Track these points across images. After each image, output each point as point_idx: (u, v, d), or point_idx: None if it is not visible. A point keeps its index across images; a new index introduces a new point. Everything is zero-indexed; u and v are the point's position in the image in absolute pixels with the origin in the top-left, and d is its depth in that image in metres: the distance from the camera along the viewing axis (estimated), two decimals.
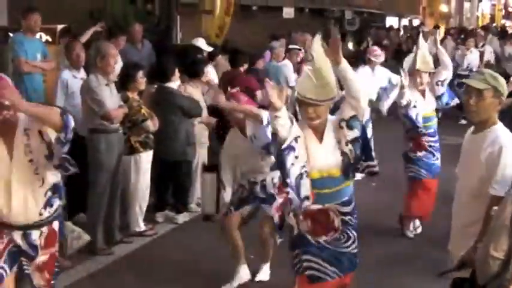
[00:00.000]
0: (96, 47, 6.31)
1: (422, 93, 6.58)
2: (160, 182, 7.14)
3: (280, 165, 3.79)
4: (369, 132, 4.10)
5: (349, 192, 3.95)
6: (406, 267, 5.88)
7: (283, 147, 3.71)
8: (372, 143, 4.04)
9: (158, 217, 7.12)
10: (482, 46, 14.49)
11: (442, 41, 17.75)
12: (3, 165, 3.65)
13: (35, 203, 3.74)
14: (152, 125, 6.39)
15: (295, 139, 3.73)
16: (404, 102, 6.36)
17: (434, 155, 6.66)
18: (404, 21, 26.31)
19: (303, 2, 17.68)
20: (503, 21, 38.62)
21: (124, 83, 6.43)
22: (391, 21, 24.37)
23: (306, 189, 3.76)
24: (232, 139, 5.52)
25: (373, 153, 3.99)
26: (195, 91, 7.31)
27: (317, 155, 3.81)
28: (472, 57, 13.39)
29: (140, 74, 6.40)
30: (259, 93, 8.40)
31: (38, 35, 7.76)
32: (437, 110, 6.83)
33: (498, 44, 15.79)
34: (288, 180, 3.74)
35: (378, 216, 6.83)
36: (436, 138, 6.73)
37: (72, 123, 3.60)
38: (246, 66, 8.87)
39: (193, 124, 7.15)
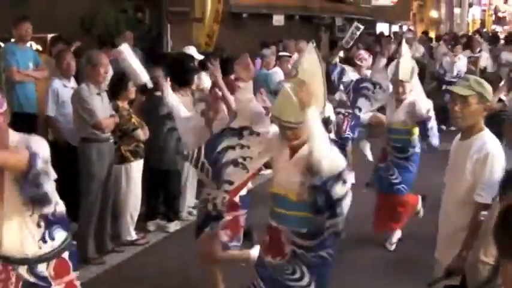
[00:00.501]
0: (88, 56, 6.32)
1: (398, 102, 6.36)
2: (151, 191, 7.15)
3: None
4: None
5: (310, 226, 3.55)
6: (402, 271, 5.92)
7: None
8: (344, 203, 3.39)
9: (149, 226, 7.12)
10: (479, 52, 14.29)
11: (432, 47, 17.88)
12: None
13: (30, 235, 3.45)
14: (142, 134, 6.40)
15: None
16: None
17: (393, 174, 6.42)
18: (395, 28, 26.43)
19: (293, 9, 17.70)
20: (493, 26, 38.84)
21: (114, 92, 6.43)
22: (382, 27, 24.47)
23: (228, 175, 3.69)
24: None
25: (342, 211, 3.39)
26: (185, 99, 7.32)
27: (282, 170, 3.64)
28: (460, 64, 13.16)
29: (131, 83, 6.41)
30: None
31: (28, 44, 7.77)
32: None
33: (488, 49, 15.81)
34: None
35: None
36: (405, 155, 6.37)
37: (38, 166, 3.30)
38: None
39: None
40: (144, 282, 5.76)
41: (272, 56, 10.64)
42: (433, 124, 6.19)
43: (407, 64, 6.33)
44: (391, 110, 6.47)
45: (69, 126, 6.49)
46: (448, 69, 13.14)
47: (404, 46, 6.55)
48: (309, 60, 3.58)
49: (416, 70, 6.50)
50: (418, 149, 6.42)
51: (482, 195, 3.72)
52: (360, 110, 6.98)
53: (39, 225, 3.48)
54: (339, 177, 3.32)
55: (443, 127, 10.74)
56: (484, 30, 30.63)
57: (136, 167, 6.50)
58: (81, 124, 6.02)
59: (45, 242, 3.49)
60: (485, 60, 14.21)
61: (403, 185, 6.43)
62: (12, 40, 7.45)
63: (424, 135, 6.22)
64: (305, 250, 3.60)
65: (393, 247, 6.55)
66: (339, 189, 3.33)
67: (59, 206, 3.62)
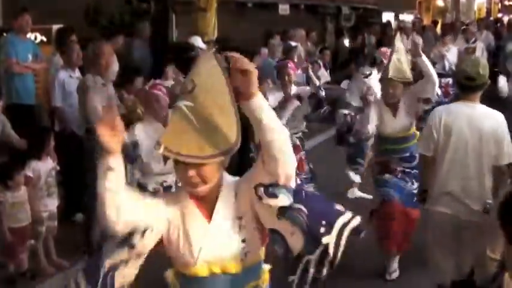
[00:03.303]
0: (92, 47, 6.30)
1: (394, 108, 5.59)
2: None
3: None
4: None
5: None
6: (406, 261, 5.86)
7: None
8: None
9: None
10: (474, 42, 13.81)
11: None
12: None
13: None
14: None
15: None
16: (370, 131, 5.64)
17: (413, 184, 5.61)
18: (401, 17, 26.27)
19: None
20: (499, 15, 38.61)
21: (122, 82, 6.43)
22: (388, 16, 24.33)
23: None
24: None
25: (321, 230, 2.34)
26: None
27: (203, 240, 2.54)
28: (450, 56, 12.31)
29: (139, 79, 6.42)
30: None
31: (33, 36, 7.79)
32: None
33: (493, 39, 15.59)
34: None
35: None
36: (414, 163, 5.56)
37: None
38: None
39: None
40: (150, 272, 5.74)
41: (279, 46, 10.62)
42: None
43: (401, 59, 5.60)
44: (387, 118, 5.64)
45: (75, 116, 6.51)
46: (437, 62, 12.17)
47: (398, 41, 5.82)
48: (210, 71, 2.49)
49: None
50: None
51: None
52: None
53: None
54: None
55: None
56: (491, 18, 30.40)
57: None
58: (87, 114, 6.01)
59: None
60: (480, 50, 13.54)
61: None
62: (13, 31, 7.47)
63: None
64: None
65: (396, 274, 5.75)
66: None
67: None
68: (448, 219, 4.44)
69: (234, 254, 2.52)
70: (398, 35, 6.14)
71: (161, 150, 2.39)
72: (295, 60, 10.57)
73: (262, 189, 2.39)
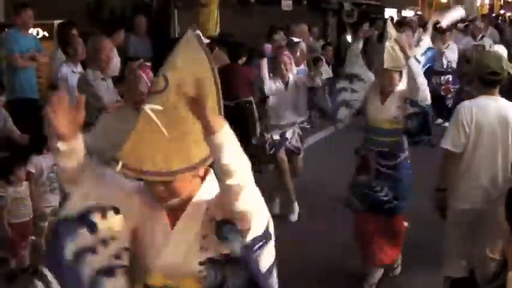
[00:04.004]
0: (93, 41, 6.27)
1: (385, 95, 5.27)
2: None
3: None
4: None
5: None
6: (408, 257, 5.81)
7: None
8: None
9: None
10: (481, 38, 13.31)
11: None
12: None
13: None
14: None
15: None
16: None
17: (381, 189, 5.25)
18: (404, 13, 26.22)
19: None
20: (502, 11, 38.55)
21: (120, 78, 6.40)
22: (390, 13, 24.29)
23: None
24: None
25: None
26: None
27: (163, 245, 2.25)
28: (449, 54, 11.87)
29: None
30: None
31: (35, 31, 7.77)
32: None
33: (498, 35, 15.47)
34: None
35: None
36: (393, 162, 5.23)
37: None
38: (244, 59, 8.87)
39: None
40: None
41: (282, 41, 10.61)
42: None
43: (394, 48, 5.20)
44: (374, 106, 5.32)
45: None
46: (436, 59, 11.68)
47: (390, 27, 5.44)
48: (186, 60, 2.17)
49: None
50: (407, 153, 5.38)
51: None
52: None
53: None
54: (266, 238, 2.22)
55: (440, 120, 10.34)
56: (493, 15, 30.36)
57: None
58: (87, 109, 5.97)
59: None
60: (488, 47, 12.62)
61: (395, 202, 5.30)
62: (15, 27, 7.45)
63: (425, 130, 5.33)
64: None
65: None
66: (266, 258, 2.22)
67: None
68: (472, 214, 4.46)
69: (192, 272, 2.19)
70: (389, 21, 5.66)
71: (118, 168, 2.06)
72: (298, 54, 10.58)
73: (214, 225, 2.14)
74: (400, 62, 5.15)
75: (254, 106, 8.76)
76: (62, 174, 2.29)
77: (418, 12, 26.10)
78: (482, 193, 4.47)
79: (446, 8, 32.94)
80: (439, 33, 12.04)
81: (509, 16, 21.77)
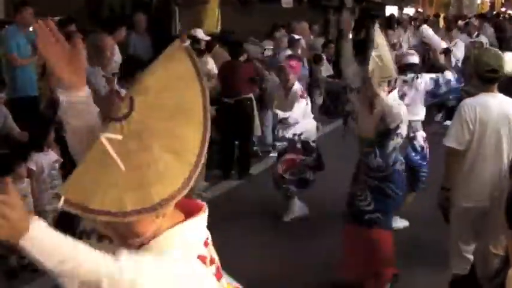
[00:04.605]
0: (93, 39, 6.25)
1: (371, 105, 4.96)
2: None
3: None
4: None
5: None
6: (409, 256, 5.78)
7: None
8: None
9: None
10: (477, 36, 13.41)
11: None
12: None
13: None
14: None
15: None
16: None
17: (365, 199, 5.03)
18: (405, 10, 26.19)
19: None
20: (503, 9, 38.51)
21: (122, 75, 6.38)
22: (391, 10, 24.26)
23: None
24: None
25: None
26: None
27: None
28: (457, 52, 11.26)
29: (140, 71, 6.36)
30: None
31: (31, 28, 7.76)
32: None
33: (493, 32, 15.41)
34: None
35: None
36: (382, 174, 4.99)
37: None
38: (245, 56, 8.88)
39: None
40: None
41: (283, 37, 10.61)
42: None
43: (384, 56, 4.89)
44: (362, 116, 5.10)
45: None
46: None
47: (378, 35, 5.04)
48: (170, 71, 1.80)
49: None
50: (399, 166, 5.11)
51: None
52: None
53: None
54: None
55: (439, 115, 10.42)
56: (495, 13, 30.31)
57: None
58: None
59: None
60: (484, 44, 12.51)
61: (378, 215, 5.02)
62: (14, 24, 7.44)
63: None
64: None
65: None
66: None
67: None
68: (476, 212, 4.49)
69: None
70: (377, 28, 5.17)
71: (60, 204, 1.67)
72: (299, 52, 10.58)
73: None
74: (387, 72, 4.88)
75: (254, 103, 8.76)
76: (71, 138, 2.04)
77: (419, 10, 26.08)
78: (486, 191, 4.46)
79: (446, 5, 32.95)
80: (446, 30, 12.03)
81: (509, 14, 21.77)
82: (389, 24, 16.64)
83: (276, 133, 7.22)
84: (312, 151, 6.87)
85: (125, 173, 1.68)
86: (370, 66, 4.81)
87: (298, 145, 6.80)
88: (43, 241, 1.59)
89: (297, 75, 7.08)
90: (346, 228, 5.25)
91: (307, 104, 6.89)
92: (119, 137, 1.71)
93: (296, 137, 6.76)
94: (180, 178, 1.70)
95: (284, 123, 6.76)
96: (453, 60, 11.28)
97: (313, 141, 6.91)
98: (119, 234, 1.82)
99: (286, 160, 6.87)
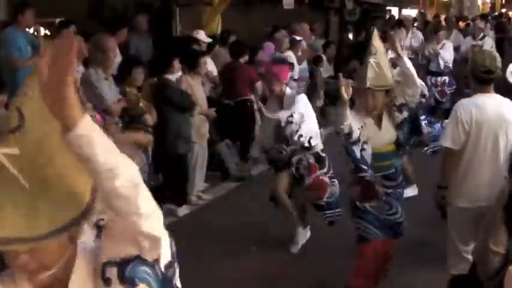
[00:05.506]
0: (95, 40, 6.27)
1: (378, 119, 4.73)
2: (153, 175, 7.05)
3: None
4: None
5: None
6: (410, 255, 5.78)
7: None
8: None
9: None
10: (482, 38, 12.89)
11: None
12: None
13: None
14: (150, 118, 6.35)
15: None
16: (346, 130, 4.51)
17: (396, 212, 4.86)
18: (405, 12, 26.19)
19: None
20: (503, 9, 38.51)
21: (121, 76, 6.42)
22: (392, 11, 24.27)
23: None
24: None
25: None
26: (194, 82, 7.29)
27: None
28: (445, 54, 11.18)
29: (137, 70, 6.37)
30: (258, 85, 8.40)
31: (33, 29, 7.77)
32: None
33: (493, 34, 15.30)
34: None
35: None
36: (398, 182, 4.89)
37: None
38: (246, 57, 8.89)
39: (190, 117, 7.10)
40: None
41: (284, 38, 10.61)
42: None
43: (381, 64, 4.60)
44: (374, 132, 4.72)
45: None
46: (432, 60, 11.34)
47: (376, 40, 4.73)
48: None
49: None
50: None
51: None
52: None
53: None
54: None
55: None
56: (495, 14, 30.34)
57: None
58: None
59: None
60: (489, 47, 12.08)
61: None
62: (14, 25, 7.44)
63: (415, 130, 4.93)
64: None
65: None
66: None
67: None
68: (473, 212, 4.51)
69: None
70: (376, 32, 4.88)
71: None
72: (299, 53, 10.60)
73: (115, 269, 1.64)
74: (386, 80, 4.62)
75: (255, 105, 8.76)
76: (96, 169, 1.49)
77: (422, 11, 26.06)
78: (482, 192, 4.48)
79: (447, 6, 32.97)
80: (434, 32, 11.86)
81: (509, 14, 21.85)
82: (396, 24, 16.39)
83: (283, 137, 6.00)
84: (324, 162, 6.05)
85: (31, 192, 1.49)
86: (368, 73, 4.56)
87: (312, 160, 5.97)
88: (98, 128, 1.45)
89: (285, 80, 6.19)
90: (379, 244, 4.84)
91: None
92: (16, 151, 1.51)
93: (306, 143, 5.90)
94: (88, 193, 1.55)
95: (291, 122, 5.86)
96: (441, 63, 11.18)
97: (322, 150, 6.08)
98: (25, 270, 1.60)
99: (313, 183, 5.98)
